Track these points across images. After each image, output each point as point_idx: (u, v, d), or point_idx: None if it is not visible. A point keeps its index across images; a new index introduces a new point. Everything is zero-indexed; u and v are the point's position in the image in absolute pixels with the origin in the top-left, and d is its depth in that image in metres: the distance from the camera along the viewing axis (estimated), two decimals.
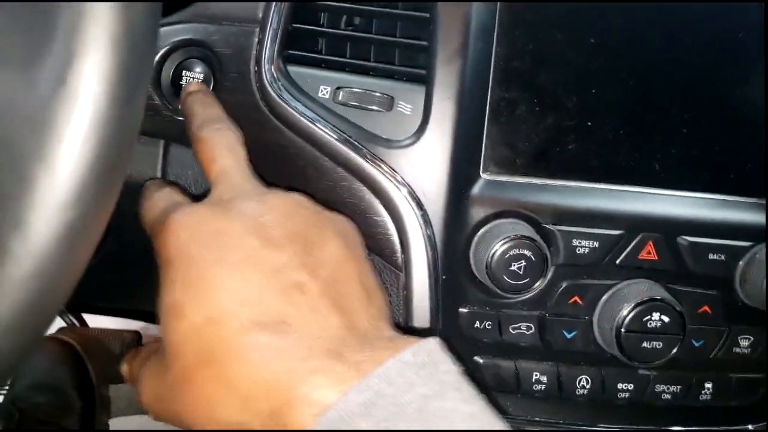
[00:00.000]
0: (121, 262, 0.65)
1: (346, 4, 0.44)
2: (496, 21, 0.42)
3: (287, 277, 0.32)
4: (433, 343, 0.31)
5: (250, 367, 0.30)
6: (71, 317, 1.22)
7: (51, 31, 0.25)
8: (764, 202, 0.44)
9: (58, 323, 1.20)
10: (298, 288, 0.32)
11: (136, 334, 1.31)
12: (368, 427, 0.27)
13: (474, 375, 0.31)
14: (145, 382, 0.35)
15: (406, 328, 0.43)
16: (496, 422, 0.29)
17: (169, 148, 0.49)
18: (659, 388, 0.45)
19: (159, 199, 0.38)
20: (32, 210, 0.25)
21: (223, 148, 0.38)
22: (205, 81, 0.44)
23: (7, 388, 1.12)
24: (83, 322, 1.25)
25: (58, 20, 0.25)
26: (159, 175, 0.50)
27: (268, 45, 0.43)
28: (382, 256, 0.44)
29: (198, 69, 0.44)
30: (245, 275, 0.32)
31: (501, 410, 0.29)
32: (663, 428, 0.47)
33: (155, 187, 0.40)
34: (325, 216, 0.37)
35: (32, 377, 1.13)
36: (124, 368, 0.41)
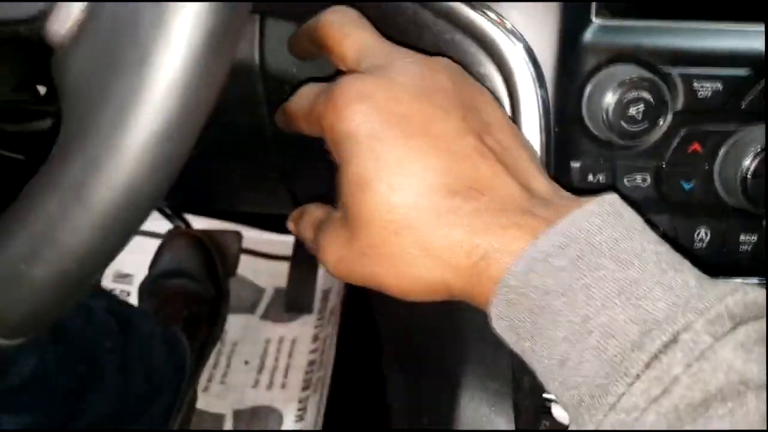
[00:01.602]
0: (218, 160, 0.66)
1: None
2: None
3: (465, 143, 0.33)
4: (614, 196, 0.32)
5: (447, 230, 0.32)
6: (178, 218, 1.27)
7: None
8: None
9: (166, 225, 1.26)
10: (477, 153, 0.33)
11: (239, 234, 1.36)
12: (563, 264, 0.29)
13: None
14: (328, 248, 0.36)
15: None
16: (683, 262, 0.30)
17: (265, 21, 0.49)
18: None
19: (305, 89, 0.37)
20: (148, 89, 0.27)
21: (349, 23, 0.38)
22: None
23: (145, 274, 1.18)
24: (187, 225, 1.31)
25: None
26: (257, 51, 0.50)
27: None
28: None
29: None
30: (427, 143, 0.32)
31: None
32: None
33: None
34: (473, 79, 0.37)
35: (167, 264, 1.19)
36: (291, 226, 0.42)
